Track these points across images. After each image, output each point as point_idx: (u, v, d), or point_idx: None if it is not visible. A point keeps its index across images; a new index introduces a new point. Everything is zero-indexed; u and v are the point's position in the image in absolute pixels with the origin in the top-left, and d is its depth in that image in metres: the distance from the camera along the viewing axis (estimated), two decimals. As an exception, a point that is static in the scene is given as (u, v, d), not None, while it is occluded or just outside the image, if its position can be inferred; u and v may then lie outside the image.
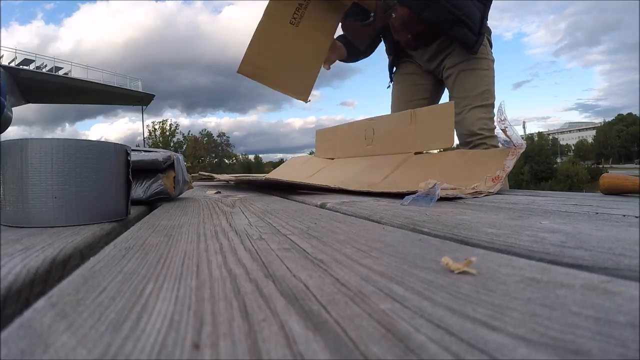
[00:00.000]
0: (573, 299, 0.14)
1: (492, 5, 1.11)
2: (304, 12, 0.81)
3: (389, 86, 1.38)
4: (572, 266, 0.19)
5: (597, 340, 0.11)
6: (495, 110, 0.96)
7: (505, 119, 0.72)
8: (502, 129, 0.72)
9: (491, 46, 1.19)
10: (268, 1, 0.78)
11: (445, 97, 1.29)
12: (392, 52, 1.32)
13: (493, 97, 1.13)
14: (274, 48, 0.82)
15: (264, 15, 0.78)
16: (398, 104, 1.31)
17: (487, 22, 1.12)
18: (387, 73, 1.37)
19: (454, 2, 1.01)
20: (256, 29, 0.79)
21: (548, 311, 0.13)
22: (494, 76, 1.15)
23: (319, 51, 0.89)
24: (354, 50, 1.17)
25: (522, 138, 0.72)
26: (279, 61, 0.85)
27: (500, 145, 0.76)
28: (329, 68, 1.08)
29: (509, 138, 0.72)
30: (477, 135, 1.08)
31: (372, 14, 1.06)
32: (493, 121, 1.11)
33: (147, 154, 0.59)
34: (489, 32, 1.18)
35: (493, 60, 1.16)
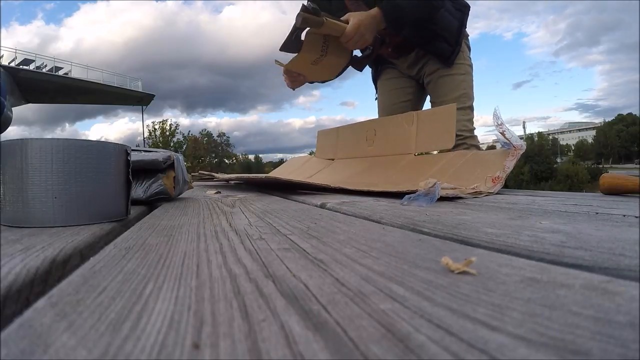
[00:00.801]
0: (573, 299, 0.14)
1: (492, 5, 1.15)
2: (327, 50, 1.03)
3: (376, 98, 1.40)
4: (572, 266, 0.19)
5: (597, 340, 0.11)
6: (491, 116, 1.01)
7: (502, 123, 0.73)
8: (500, 132, 0.73)
9: (469, 50, 1.22)
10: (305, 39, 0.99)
11: (427, 102, 1.33)
12: (374, 63, 1.36)
13: (471, 99, 1.18)
14: (309, 67, 1.06)
15: (300, 52, 1.00)
16: (383, 108, 1.36)
17: (466, 28, 1.16)
18: None
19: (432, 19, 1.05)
20: (297, 57, 1.01)
21: (548, 311, 0.13)
22: (472, 80, 1.20)
23: (339, 66, 1.14)
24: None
25: (522, 138, 0.73)
26: (311, 71, 1.10)
27: (500, 146, 0.76)
28: (294, 89, 1.17)
29: (508, 140, 0.72)
30: (457, 136, 1.13)
31: (370, 47, 1.16)
32: (472, 122, 1.16)
33: (147, 154, 0.59)
34: (466, 36, 1.22)
35: (471, 65, 1.20)
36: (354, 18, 0.95)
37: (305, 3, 0.97)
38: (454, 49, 1.13)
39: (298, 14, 0.94)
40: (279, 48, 1.02)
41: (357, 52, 1.26)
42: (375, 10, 0.97)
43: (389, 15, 0.98)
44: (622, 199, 0.56)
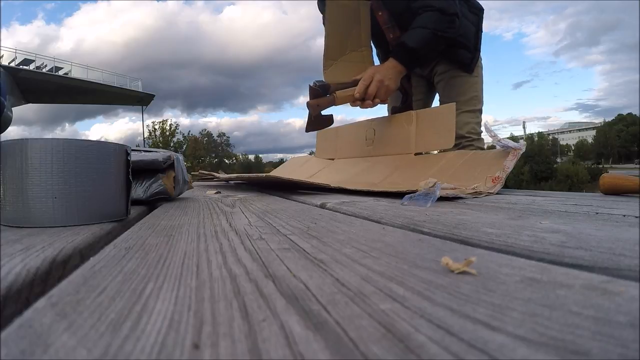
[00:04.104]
0: (573, 299, 0.14)
1: (492, 5, 1.14)
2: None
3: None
4: (572, 266, 0.19)
5: (597, 340, 0.11)
6: (482, 127, 1.02)
7: (495, 135, 0.74)
8: (497, 141, 0.74)
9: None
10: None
11: (435, 100, 1.32)
12: (384, 61, 1.35)
13: (481, 102, 1.17)
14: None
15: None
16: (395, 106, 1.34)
17: (482, 33, 1.15)
18: None
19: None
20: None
21: (548, 311, 0.13)
22: (482, 82, 1.19)
23: None
24: None
25: (522, 138, 0.74)
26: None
27: (498, 147, 0.76)
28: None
29: (507, 145, 0.73)
30: (465, 138, 1.12)
31: (406, 91, 1.17)
32: (480, 125, 1.16)
33: (147, 154, 0.59)
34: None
35: (482, 67, 1.20)
36: (366, 74, 0.95)
37: (311, 84, 0.97)
38: (474, 56, 1.11)
39: (307, 103, 0.94)
40: (305, 130, 1.02)
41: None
42: (391, 62, 0.97)
43: (406, 61, 0.97)
44: (622, 199, 0.56)
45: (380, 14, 1.12)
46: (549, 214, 0.39)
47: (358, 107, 0.99)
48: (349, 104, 1.00)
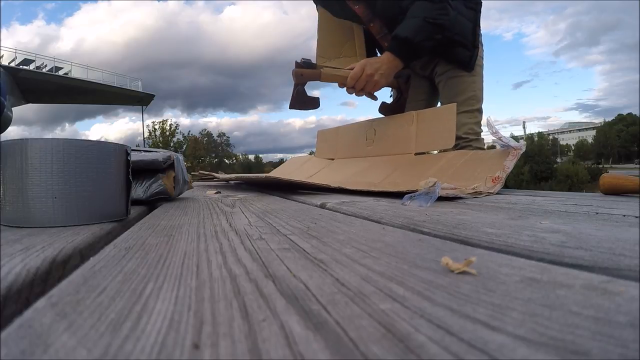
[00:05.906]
0: (573, 299, 0.14)
1: (492, 5, 1.13)
2: None
3: (391, 95, 1.39)
4: (572, 266, 0.19)
5: (597, 340, 0.11)
6: (485, 125, 1.02)
7: (496, 132, 0.74)
8: (497, 138, 0.73)
9: (482, 45, 1.20)
10: None
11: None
12: None
13: (480, 101, 1.15)
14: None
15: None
16: None
17: (480, 28, 1.13)
18: None
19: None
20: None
21: (548, 311, 0.13)
22: (482, 81, 1.17)
23: None
24: None
25: (522, 138, 0.73)
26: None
27: (497, 147, 0.76)
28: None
29: (507, 144, 0.72)
30: (463, 139, 1.10)
31: (401, 91, 1.15)
32: (479, 125, 1.14)
33: (147, 154, 0.59)
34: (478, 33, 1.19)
35: (482, 65, 1.17)
36: (358, 66, 0.95)
37: (299, 60, 0.98)
38: (472, 53, 1.10)
39: (292, 70, 0.95)
40: (288, 106, 1.02)
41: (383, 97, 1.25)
42: (386, 55, 0.96)
43: (402, 53, 0.96)
44: (622, 199, 0.56)
45: (372, 25, 1.11)
46: (549, 214, 0.39)
47: (357, 107, 1.00)
48: (337, 85, 1.00)
